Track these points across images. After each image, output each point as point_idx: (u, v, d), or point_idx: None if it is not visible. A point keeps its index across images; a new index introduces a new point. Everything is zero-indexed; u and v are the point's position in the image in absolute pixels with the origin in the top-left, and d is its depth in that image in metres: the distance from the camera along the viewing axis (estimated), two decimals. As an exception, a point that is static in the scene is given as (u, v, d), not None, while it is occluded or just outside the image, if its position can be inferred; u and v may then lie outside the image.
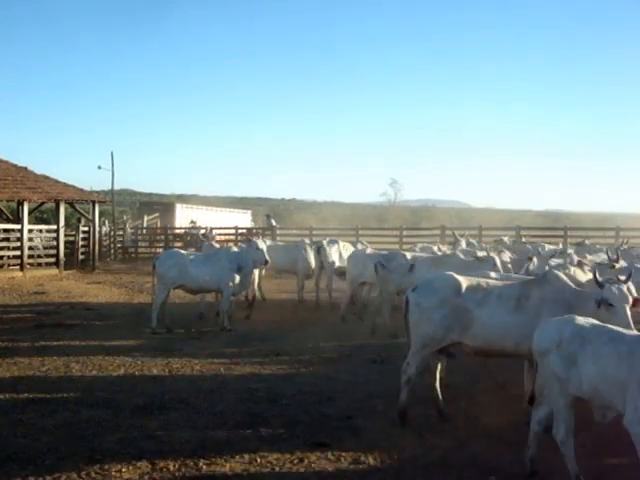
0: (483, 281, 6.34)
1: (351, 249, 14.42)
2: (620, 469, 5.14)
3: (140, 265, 22.86)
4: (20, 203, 21.20)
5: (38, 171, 22.58)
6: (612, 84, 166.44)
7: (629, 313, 5.55)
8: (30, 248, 20.50)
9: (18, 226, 20.34)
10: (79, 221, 23.64)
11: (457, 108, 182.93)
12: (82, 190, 23.48)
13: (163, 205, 35.88)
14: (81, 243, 22.52)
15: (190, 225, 28.75)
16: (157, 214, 32.86)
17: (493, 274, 7.65)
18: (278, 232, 26.93)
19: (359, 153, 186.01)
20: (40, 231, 22.44)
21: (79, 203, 23.53)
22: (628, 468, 5.17)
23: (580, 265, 9.41)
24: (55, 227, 21.76)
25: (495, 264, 9.36)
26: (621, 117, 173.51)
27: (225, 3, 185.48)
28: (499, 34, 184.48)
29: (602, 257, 11.26)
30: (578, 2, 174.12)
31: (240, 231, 27.58)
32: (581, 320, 4.90)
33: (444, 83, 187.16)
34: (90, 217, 23.46)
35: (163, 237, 28.70)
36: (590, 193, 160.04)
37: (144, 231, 30.06)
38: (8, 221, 23.22)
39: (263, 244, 12.03)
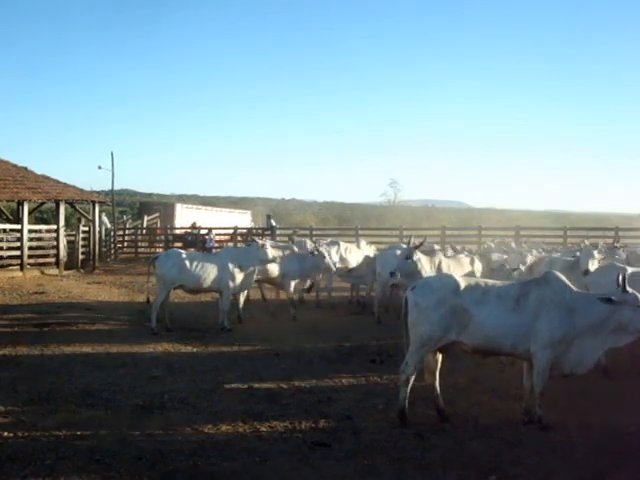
0: (482, 281, 6.37)
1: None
2: (620, 469, 5.14)
3: (140, 265, 22.84)
4: (20, 203, 21.17)
5: (38, 171, 22.57)
6: (614, 82, 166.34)
7: None
8: (32, 248, 20.50)
9: (18, 226, 20.33)
10: (79, 221, 23.63)
11: (457, 108, 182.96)
12: (82, 190, 23.44)
13: (163, 205, 35.82)
14: (81, 243, 22.51)
15: (190, 226, 28.78)
16: (157, 214, 32.83)
17: None
18: (278, 232, 26.94)
19: (359, 153, 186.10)
20: (40, 231, 22.44)
21: (79, 203, 23.50)
22: (628, 468, 5.18)
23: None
24: (55, 227, 21.75)
25: None
26: (622, 117, 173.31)
27: (225, 2, 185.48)
28: (499, 34, 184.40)
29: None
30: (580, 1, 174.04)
31: (240, 231, 27.58)
32: None
33: (444, 83, 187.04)
34: (90, 217, 23.46)
35: (163, 237, 28.70)
36: (590, 193, 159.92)
37: (144, 231, 30.06)
38: (8, 221, 23.21)
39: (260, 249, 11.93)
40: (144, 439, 5.68)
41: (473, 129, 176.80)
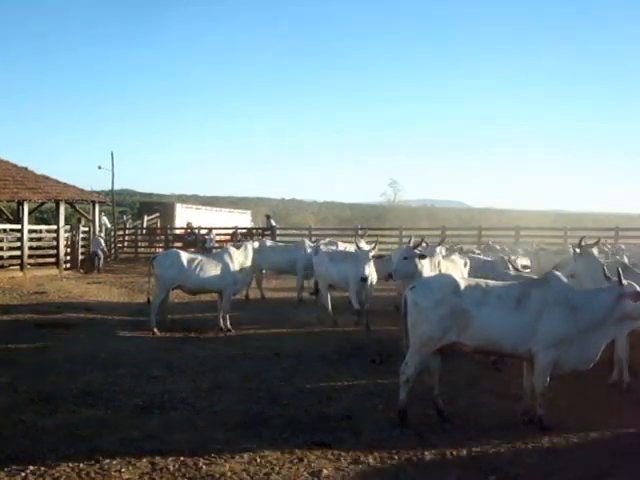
0: (482, 281, 6.36)
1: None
2: (620, 469, 5.14)
3: (140, 265, 22.87)
4: (20, 203, 21.18)
5: (38, 171, 22.58)
6: (614, 82, 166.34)
7: None
8: (32, 248, 20.51)
9: (18, 226, 20.34)
10: (79, 221, 23.63)
11: (457, 108, 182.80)
12: (82, 190, 23.44)
13: (163, 205, 35.82)
14: (81, 243, 22.52)
15: (187, 226, 28.80)
16: (157, 214, 32.85)
17: None
18: (278, 232, 26.96)
19: (359, 153, 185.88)
20: (40, 231, 22.43)
21: (79, 203, 23.51)
22: (628, 468, 5.18)
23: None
24: (55, 227, 21.75)
25: None
26: (622, 116, 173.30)
27: (223, 1, 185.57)
28: (498, 34, 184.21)
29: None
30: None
31: (240, 231, 27.60)
32: None
33: (444, 83, 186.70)
34: (90, 217, 23.47)
35: (163, 237, 28.71)
36: (590, 193, 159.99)
37: (144, 231, 30.08)
38: (8, 221, 23.21)
39: (251, 246, 11.86)
40: (144, 439, 5.67)
41: (473, 129, 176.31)
